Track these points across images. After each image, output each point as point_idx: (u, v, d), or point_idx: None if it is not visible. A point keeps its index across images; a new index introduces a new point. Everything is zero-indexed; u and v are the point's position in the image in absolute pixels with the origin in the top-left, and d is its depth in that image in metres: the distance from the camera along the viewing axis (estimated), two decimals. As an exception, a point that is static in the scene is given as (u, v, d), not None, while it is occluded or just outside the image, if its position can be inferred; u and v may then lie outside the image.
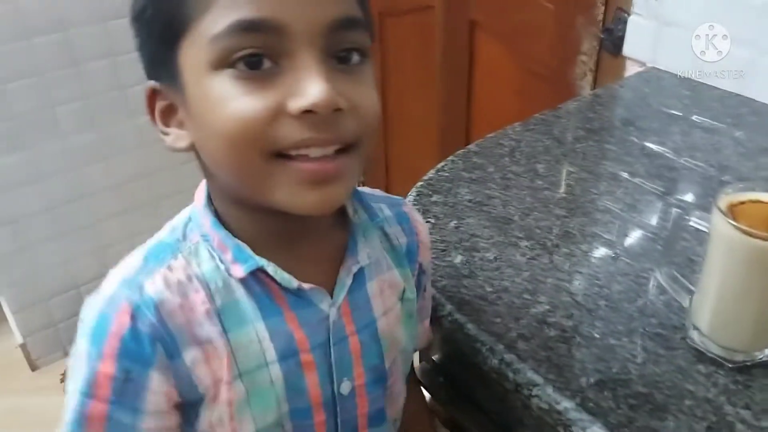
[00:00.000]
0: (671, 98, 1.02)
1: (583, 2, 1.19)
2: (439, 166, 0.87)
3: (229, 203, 0.49)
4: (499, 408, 0.69)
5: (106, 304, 0.46)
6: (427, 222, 0.74)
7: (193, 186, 0.51)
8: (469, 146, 0.92)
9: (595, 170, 0.85)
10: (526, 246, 0.72)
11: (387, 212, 0.58)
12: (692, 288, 0.61)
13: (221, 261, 0.48)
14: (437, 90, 1.66)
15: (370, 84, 0.46)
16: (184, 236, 0.49)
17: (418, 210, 0.75)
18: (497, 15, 1.43)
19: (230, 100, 0.42)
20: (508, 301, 0.65)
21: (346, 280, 0.52)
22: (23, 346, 1.72)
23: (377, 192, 0.60)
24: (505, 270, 0.69)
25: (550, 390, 0.55)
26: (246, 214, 0.48)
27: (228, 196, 0.48)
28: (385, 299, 0.55)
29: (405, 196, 0.79)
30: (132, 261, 0.48)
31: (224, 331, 0.47)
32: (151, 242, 0.50)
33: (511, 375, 0.58)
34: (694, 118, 0.96)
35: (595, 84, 1.22)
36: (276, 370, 0.49)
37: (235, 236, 0.48)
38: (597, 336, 0.60)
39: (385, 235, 0.57)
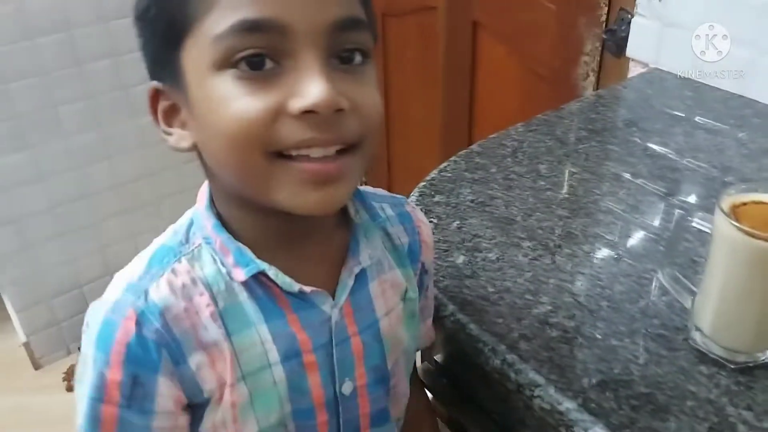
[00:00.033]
0: (674, 99, 1.02)
1: (585, 3, 1.19)
2: (442, 166, 0.87)
3: (231, 204, 0.49)
4: (500, 408, 0.69)
5: (111, 311, 0.46)
6: (429, 222, 0.74)
7: (196, 186, 0.51)
8: (472, 147, 0.92)
9: (598, 171, 0.85)
10: (529, 246, 0.72)
11: (389, 212, 0.58)
12: (694, 289, 0.60)
13: (223, 264, 0.48)
14: (440, 90, 1.66)
15: (373, 84, 0.46)
16: (187, 239, 0.49)
17: (421, 210, 0.75)
18: (500, 16, 1.42)
19: (232, 101, 0.42)
20: (510, 301, 0.65)
21: (348, 281, 0.52)
22: (26, 345, 1.73)
23: (380, 191, 0.60)
24: (508, 270, 0.69)
25: (552, 390, 0.55)
26: (248, 215, 0.48)
27: (230, 196, 0.48)
28: (387, 299, 0.55)
29: (407, 196, 0.79)
30: (136, 266, 0.48)
31: (227, 333, 0.47)
32: (154, 246, 0.50)
33: (513, 375, 0.58)
34: (697, 119, 0.96)
35: (597, 85, 1.22)
36: (279, 372, 0.49)
37: (238, 238, 0.48)
38: (599, 337, 0.60)
39: (387, 234, 0.57)
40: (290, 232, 0.50)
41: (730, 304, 0.56)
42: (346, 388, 0.53)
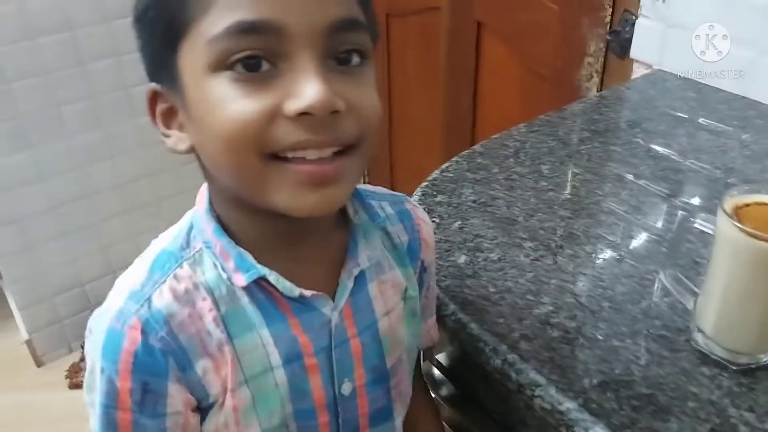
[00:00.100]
0: (677, 100, 1.02)
1: (589, 4, 1.18)
2: (444, 166, 0.87)
3: (230, 206, 0.49)
4: (501, 408, 0.69)
5: (115, 319, 0.46)
6: (431, 222, 0.74)
7: (195, 187, 0.51)
8: (474, 147, 0.92)
9: (600, 172, 0.85)
10: (530, 247, 0.72)
11: (389, 210, 0.58)
12: (696, 290, 0.60)
13: (223, 269, 0.47)
14: (442, 91, 1.66)
15: (371, 85, 0.46)
16: (188, 243, 0.49)
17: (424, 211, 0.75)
18: (503, 16, 1.42)
19: (228, 103, 0.42)
20: (511, 301, 0.64)
21: (347, 283, 0.52)
22: (29, 342, 1.73)
23: (380, 189, 0.60)
24: (509, 270, 0.68)
25: (552, 390, 0.55)
26: (246, 217, 0.48)
27: (229, 198, 0.48)
28: (387, 299, 0.55)
29: (410, 196, 0.79)
30: (137, 271, 0.48)
31: (229, 337, 0.47)
32: (155, 250, 0.49)
33: (513, 375, 0.57)
34: (700, 120, 0.96)
35: (601, 86, 1.22)
36: (281, 374, 0.49)
37: (237, 240, 0.48)
38: (600, 337, 0.60)
39: (387, 234, 0.57)
40: (289, 233, 0.49)
41: (732, 305, 0.56)
42: (345, 388, 0.53)
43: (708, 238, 0.59)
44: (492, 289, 0.66)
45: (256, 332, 0.48)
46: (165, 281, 0.47)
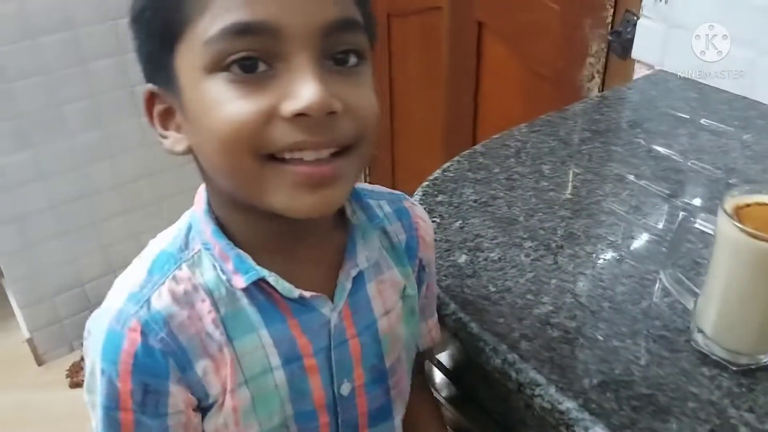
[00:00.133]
0: (679, 101, 1.01)
1: (590, 4, 1.18)
2: (445, 166, 0.87)
3: (228, 207, 0.49)
4: (501, 408, 0.69)
5: (114, 320, 0.46)
6: (432, 221, 0.74)
7: (196, 187, 0.51)
8: (475, 147, 0.92)
9: (601, 172, 0.85)
10: (530, 247, 0.72)
11: (387, 209, 0.58)
12: (697, 290, 0.60)
13: (222, 271, 0.47)
14: (444, 90, 1.66)
15: (369, 85, 0.46)
16: (186, 245, 0.49)
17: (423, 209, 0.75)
18: (504, 17, 1.42)
19: (224, 104, 0.41)
20: (511, 301, 0.64)
21: (345, 284, 0.52)
22: (30, 341, 1.73)
23: (378, 188, 0.60)
24: (509, 270, 0.68)
25: (552, 390, 0.55)
26: (245, 218, 0.48)
27: (226, 199, 0.48)
28: (386, 299, 0.55)
29: (411, 195, 0.79)
30: (136, 272, 0.48)
31: (229, 339, 0.47)
32: (154, 251, 0.49)
33: (513, 375, 0.57)
34: (701, 120, 0.96)
35: (603, 86, 1.22)
36: (280, 375, 0.49)
37: (236, 241, 0.48)
38: (600, 337, 0.60)
39: (386, 233, 0.57)
40: (287, 234, 0.49)
41: (732, 305, 0.56)
42: (345, 388, 0.53)
43: (708, 238, 0.58)
44: (492, 289, 0.66)
45: (255, 333, 0.48)
46: (164, 283, 0.47)
